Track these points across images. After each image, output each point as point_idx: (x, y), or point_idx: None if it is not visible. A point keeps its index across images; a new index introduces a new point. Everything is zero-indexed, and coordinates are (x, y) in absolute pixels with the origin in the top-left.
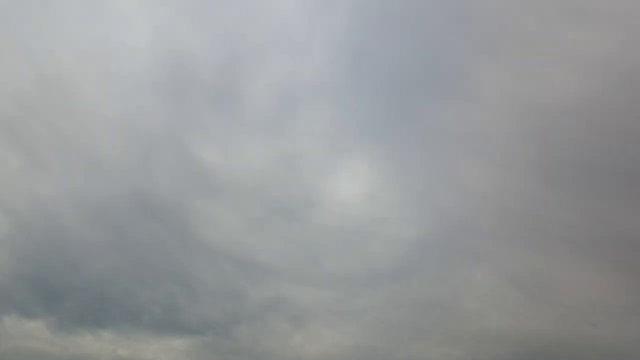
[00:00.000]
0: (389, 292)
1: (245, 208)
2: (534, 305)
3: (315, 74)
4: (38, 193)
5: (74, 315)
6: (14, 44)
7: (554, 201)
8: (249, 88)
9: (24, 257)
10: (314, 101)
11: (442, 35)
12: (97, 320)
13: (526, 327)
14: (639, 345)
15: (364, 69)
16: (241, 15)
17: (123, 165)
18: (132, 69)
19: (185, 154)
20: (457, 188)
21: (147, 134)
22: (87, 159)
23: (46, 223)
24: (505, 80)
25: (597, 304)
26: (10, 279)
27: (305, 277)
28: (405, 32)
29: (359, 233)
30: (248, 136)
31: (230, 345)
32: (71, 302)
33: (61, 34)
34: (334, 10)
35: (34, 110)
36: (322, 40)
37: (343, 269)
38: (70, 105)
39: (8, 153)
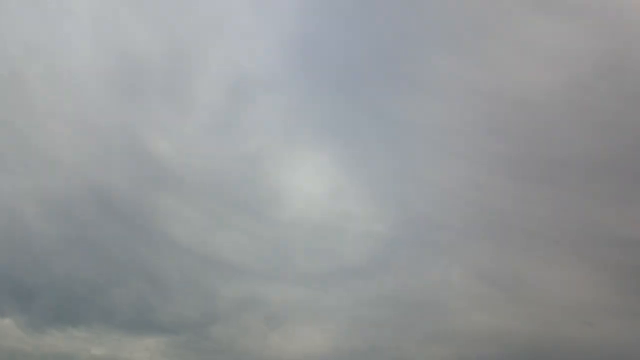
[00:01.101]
0: (364, 289)
1: (207, 204)
2: (512, 303)
3: (266, 65)
4: None
5: (45, 313)
6: None
7: (526, 196)
8: (200, 81)
9: None
10: (267, 93)
11: (397, 25)
12: (69, 319)
13: (507, 326)
14: (622, 343)
15: (317, 60)
16: (187, 7)
17: (81, 161)
18: (81, 65)
19: (140, 149)
20: (424, 183)
21: (102, 130)
22: (44, 156)
23: (8, 220)
24: (468, 73)
25: (577, 302)
26: None
27: (277, 275)
28: (358, 20)
29: (326, 229)
30: (203, 130)
31: (208, 345)
32: (41, 300)
33: (9, 31)
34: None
35: None
36: (271, 31)
37: (314, 267)
38: (25, 103)
39: None
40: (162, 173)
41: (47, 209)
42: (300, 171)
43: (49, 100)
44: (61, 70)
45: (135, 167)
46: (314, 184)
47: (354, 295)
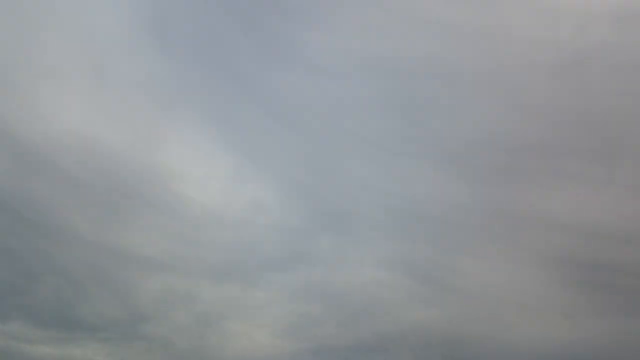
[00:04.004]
0: (291, 284)
1: (99, 195)
2: (457, 301)
3: (121, 39)
4: None
5: None
6: None
7: (445, 181)
8: (57, 56)
9: None
10: (129, 68)
11: None
12: None
13: (462, 328)
14: (577, 340)
15: (175, 32)
16: None
17: None
18: None
19: (17, 139)
20: (329, 169)
21: None
22: None
23: None
24: (356, 47)
25: (525, 297)
26: None
27: (193, 270)
28: None
29: (233, 221)
30: (74, 111)
31: (142, 343)
32: None
33: None
34: None
35: None
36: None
37: (230, 261)
38: None
39: None
40: (44, 163)
41: None
42: (190, 156)
43: None
44: None
45: (13, 158)
46: (207, 171)
47: (282, 291)
